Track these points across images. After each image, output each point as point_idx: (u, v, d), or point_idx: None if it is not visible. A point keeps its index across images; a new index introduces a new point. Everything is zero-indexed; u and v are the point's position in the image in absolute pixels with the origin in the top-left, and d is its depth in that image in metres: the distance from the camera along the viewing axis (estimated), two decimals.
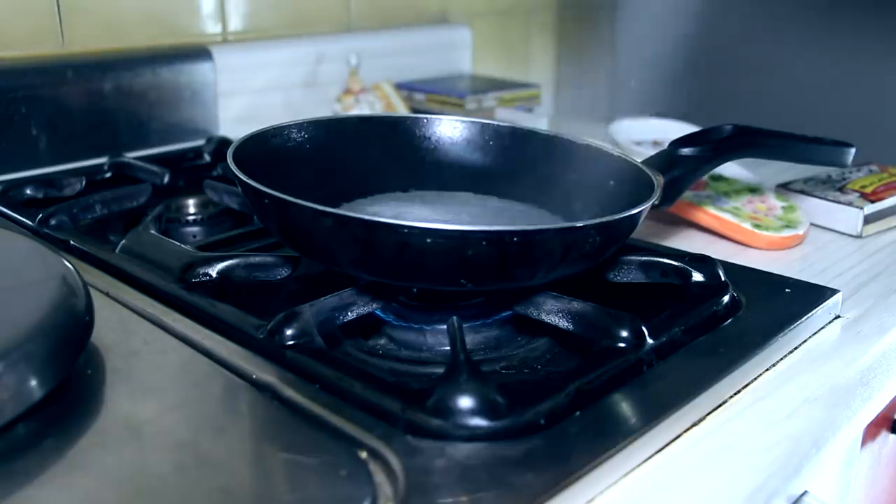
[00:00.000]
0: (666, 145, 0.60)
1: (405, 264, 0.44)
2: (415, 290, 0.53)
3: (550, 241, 0.44)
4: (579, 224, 0.45)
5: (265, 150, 0.57)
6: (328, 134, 0.62)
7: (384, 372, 0.47)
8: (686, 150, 0.59)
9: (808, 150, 0.63)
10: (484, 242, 0.42)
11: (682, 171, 0.57)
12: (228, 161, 0.50)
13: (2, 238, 0.52)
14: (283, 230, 0.48)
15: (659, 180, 0.54)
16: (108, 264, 0.57)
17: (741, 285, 0.54)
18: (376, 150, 0.63)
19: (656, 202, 0.51)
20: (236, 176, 0.48)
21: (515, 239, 0.43)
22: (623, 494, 0.37)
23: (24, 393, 0.37)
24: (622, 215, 0.46)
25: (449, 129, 0.64)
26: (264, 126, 0.58)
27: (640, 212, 0.48)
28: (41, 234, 0.65)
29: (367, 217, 0.43)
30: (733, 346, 0.47)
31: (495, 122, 0.64)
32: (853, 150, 0.63)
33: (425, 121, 0.64)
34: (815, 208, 0.73)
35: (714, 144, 0.60)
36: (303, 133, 0.60)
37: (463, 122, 0.64)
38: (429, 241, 0.42)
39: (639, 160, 0.58)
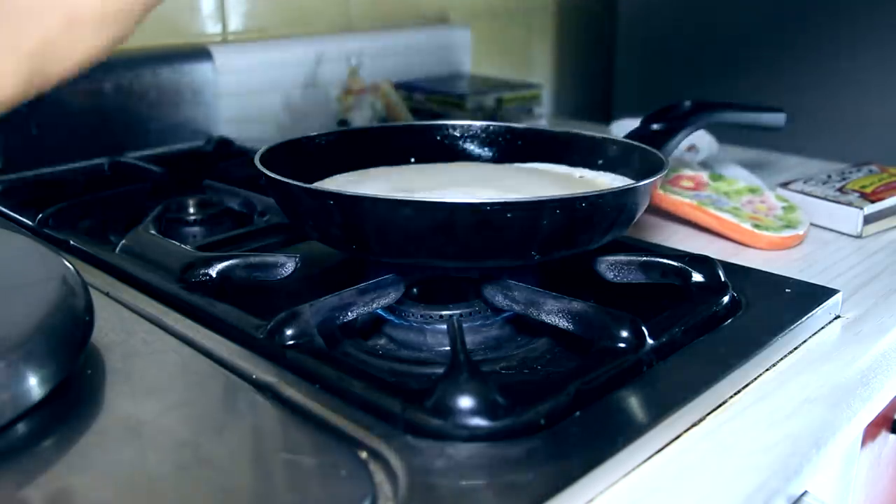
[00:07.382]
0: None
1: (482, 242, 0.46)
2: (414, 290, 0.53)
3: (609, 204, 0.48)
4: (640, 183, 0.50)
5: (293, 158, 0.59)
6: (352, 143, 0.65)
7: (384, 372, 0.47)
8: (656, 126, 0.66)
9: (749, 116, 0.75)
10: (558, 210, 0.46)
11: (657, 144, 0.63)
12: (258, 164, 0.52)
13: (2, 238, 0.52)
14: (350, 230, 0.48)
15: (665, 157, 0.58)
16: (108, 264, 0.57)
17: (741, 285, 0.54)
18: (398, 154, 0.66)
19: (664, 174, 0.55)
20: (287, 184, 0.49)
21: (584, 204, 0.47)
22: (623, 494, 0.37)
23: (24, 393, 0.37)
24: (656, 177, 0.51)
25: (462, 131, 0.69)
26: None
27: (660, 177, 0.52)
28: (41, 234, 0.65)
29: (449, 200, 0.45)
30: (733, 346, 0.47)
31: (504, 124, 0.68)
32: (784, 115, 0.75)
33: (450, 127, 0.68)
34: (815, 208, 0.73)
35: (679, 117, 0.67)
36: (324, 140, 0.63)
37: (471, 124, 0.68)
38: (509, 215, 0.45)
39: (621, 136, 0.64)
